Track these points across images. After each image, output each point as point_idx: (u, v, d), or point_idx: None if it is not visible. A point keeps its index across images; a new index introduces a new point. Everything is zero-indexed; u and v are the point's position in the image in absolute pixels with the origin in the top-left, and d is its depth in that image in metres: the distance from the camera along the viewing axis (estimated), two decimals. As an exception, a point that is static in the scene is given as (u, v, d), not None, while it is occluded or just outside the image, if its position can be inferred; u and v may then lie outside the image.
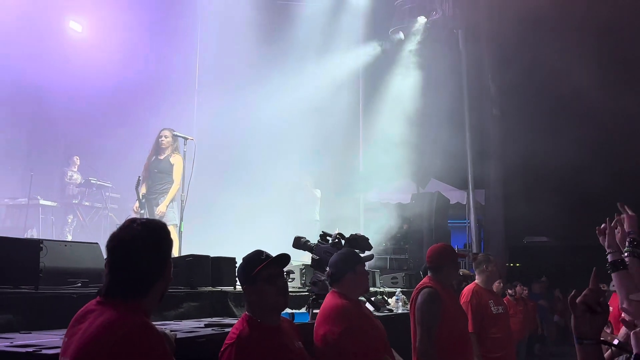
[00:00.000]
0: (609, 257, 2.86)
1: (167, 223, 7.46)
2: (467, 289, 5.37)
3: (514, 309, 9.61)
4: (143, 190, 7.89)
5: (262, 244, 3.21)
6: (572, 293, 2.01)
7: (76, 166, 10.43)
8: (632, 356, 2.03)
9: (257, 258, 2.91)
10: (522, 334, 10.23)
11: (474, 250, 12.47)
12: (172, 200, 7.78)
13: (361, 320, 3.39)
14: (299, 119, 10.19)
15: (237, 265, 3.16)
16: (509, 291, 9.86)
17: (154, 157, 8.00)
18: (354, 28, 11.35)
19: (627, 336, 2.11)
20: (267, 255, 2.93)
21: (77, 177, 10.29)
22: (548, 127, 16.29)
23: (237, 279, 2.98)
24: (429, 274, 4.44)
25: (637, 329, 2.07)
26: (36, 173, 9.67)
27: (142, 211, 7.68)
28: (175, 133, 7.87)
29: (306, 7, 10.95)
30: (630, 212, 3.10)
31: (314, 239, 4.77)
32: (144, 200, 7.77)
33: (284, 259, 2.97)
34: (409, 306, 4.60)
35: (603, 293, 2.92)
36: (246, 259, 2.97)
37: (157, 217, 7.62)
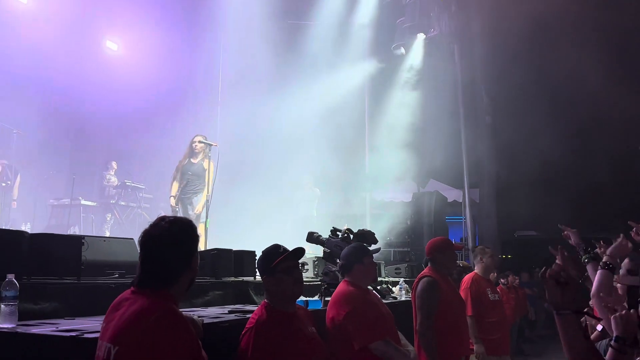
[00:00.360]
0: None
1: (199, 221, 7.54)
2: (467, 278, 5.38)
3: (507, 297, 9.57)
4: (175, 189, 7.97)
5: (278, 238, 3.21)
6: (542, 269, 2.01)
7: (113, 170, 10.50)
8: (613, 337, 2.01)
9: (275, 251, 2.92)
10: (513, 319, 10.19)
11: (470, 244, 12.42)
12: None
13: (366, 305, 3.38)
14: (311, 125, 10.21)
15: (257, 257, 3.17)
16: (502, 280, 9.82)
17: (187, 160, 8.04)
18: (360, 44, 11.34)
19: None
20: (285, 249, 2.94)
21: (114, 180, 10.36)
22: (535, 134, 16.25)
23: (257, 270, 2.97)
24: (429, 265, 4.47)
25: (617, 314, 2.06)
26: (78, 176, 9.73)
27: (178, 207, 7.82)
28: (203, 140, 7.92)
29: (317, 25, 10.95)
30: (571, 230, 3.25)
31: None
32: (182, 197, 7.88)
33: (299, 252, 2.98)
34: (410, 294, 4.60)
35: (569, 266, 2.94)
36: (265, 252, 2.97)
37: (193, 216, 7.76)
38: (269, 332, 2.74)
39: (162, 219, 2.19)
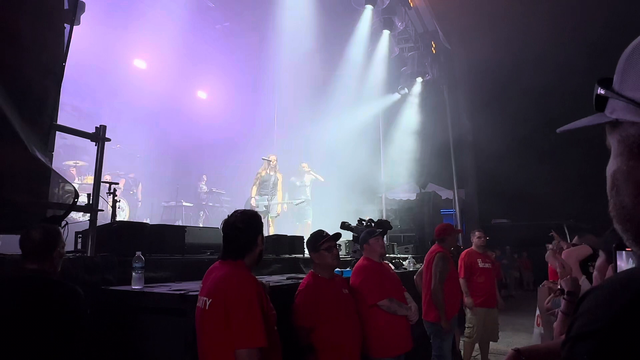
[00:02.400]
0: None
1: (271, 215, 7.54)
2: (465, 251, 5.28)
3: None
4: (254, 192, 7.89)
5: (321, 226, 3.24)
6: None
7: (204, 181, 10.62)
8: (565, 293, 1.98)
9: (320, 235, 2.96)
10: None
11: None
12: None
13: (375, 273, 3.32)
14: (342, 144, 10.17)
15: (305, 240, 3.19)
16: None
17: (266, 172, 7.92)
18: (375, 86, 11.31)
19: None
20: (327, 234, 2.97)
21: (205, 188, 10.48)
22: (505, 147, 15.99)
23: (306, 248, 3.00)
24: (436, 243, 4.41)
25: (566, 277, 2.05)
26: (181, 186, 9.97)
27: (256, 206, 7.67)
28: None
29: (345, 73, 10.96)
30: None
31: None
32: (257, 197, 7.79)
33: (337, 236, 3.02)
34: (423, 264, 4.48)
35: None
36: (313, 235, 3.01)
37: (275, 215, 7.78)
38: (315, 292, 2.77)
39: (236, 211, 2.22)
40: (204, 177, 10.65)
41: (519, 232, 16.11)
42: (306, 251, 5.15)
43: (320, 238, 2.93)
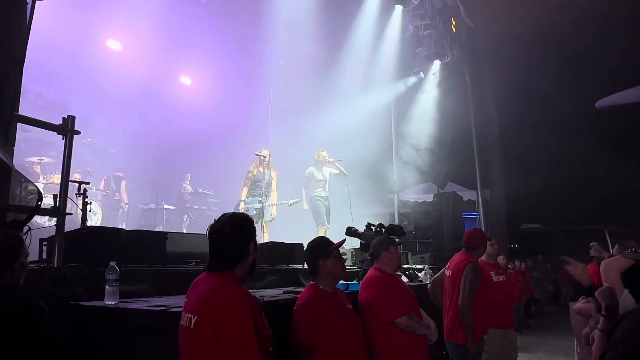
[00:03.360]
0: None
1: (265, 220, 7.42)
2: None
3: (514, 279, 9.34)
4: (244, 195, 7.77)
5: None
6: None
7: (188, 180, 10.65)
8: (603, 309, 1.97)
9: (327, 240, 3.00)
10: (520, 298, 9.96)
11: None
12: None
13: (391, 287, 3.32)
14: (348, 137, 10.11)
15: (305, 248, 3.19)
16: (510, 265, 9.57)
17: (257, 170, 7.78)
18: (386, 70, 11.26)
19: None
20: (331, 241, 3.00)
21: (189, 188, 10.51)
22: (537, 141, 15.91)
23: (311, 255, 3.00)
24: (463, 250, 4.32)
25: (601, 289, 2.06)
26: (161, 186, 9.98)
27: (247, 210, 7.45)
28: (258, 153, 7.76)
29: (351, 56, 10.92)
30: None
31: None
32: (249, 199, 7.63)
33: (343, 242, 3.09)
34: (449, 274, 4.30)
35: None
36: (319, 241, 3.05)
37: (270, 219, 7.62)
38: (317, 306, 2.77)
39: (223, 215, 2.21)
40: (188, 175, 10.68)
41: (554, 238, 16.07)
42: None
43: (329, 242, 2.95)
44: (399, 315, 3.17)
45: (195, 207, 10.35)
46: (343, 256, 3.12)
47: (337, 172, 8.13)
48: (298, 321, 2.73)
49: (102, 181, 9.11)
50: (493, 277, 5.07)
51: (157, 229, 8.99)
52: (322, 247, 2.97)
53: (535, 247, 15.31)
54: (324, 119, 10.51)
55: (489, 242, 5.14)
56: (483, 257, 5.21)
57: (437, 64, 11.90)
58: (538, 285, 13.26)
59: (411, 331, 3.18)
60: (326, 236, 3.07)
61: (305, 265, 5.00)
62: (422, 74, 11.92)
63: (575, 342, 4.75)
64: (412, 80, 11.98)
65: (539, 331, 10.41)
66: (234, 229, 2.14)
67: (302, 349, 2.68)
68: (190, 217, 10.14)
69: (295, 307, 2.82)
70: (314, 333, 2.67)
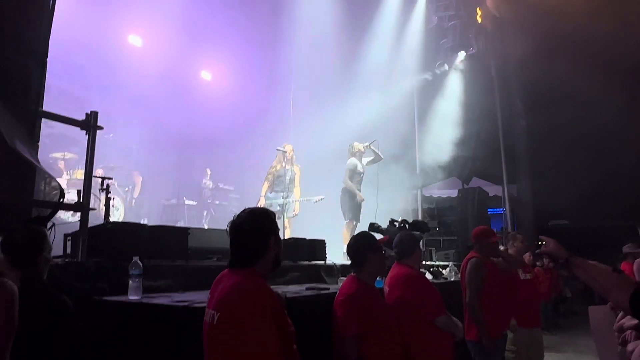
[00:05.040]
0: None
1: (288, 215, 7.39)
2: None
3: (542, 277, 9.20)
4: (264, 190, 7.77)
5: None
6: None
7: (209, 175, 10.70)
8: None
9: (372, 235, 3.04)
10: (549, 297, 9.79)
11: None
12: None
13: (428, 285, 3.38)
14: (369, 131, 10.01)
15: (351, 240, 3.19)
16: (538, 263, 9.39)
17: (280, 166, 7.76)
18: (409, 62, 11.14)
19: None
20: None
21: (210, 184, 10.56)
22: (565, 135, 15.57)
23: (360, 247, 3.00)
24: (473, 249, 4.38)
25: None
26: (182, 182, 10.05)
27: (270, 205, 7.39)
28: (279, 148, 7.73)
29: (374, 47, 10.81)
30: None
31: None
32: (271, 194, 7.61)
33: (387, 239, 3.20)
34: (459, 274, 4.50)
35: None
36: (367, 235, 3.13)
37: (292, 215, 7.57)
38: (365, 297, 2.82)
39: (243, 210, 2.21)
40: (208, 171, 10.72)
41: (584, 235, 15.74)
42: (331, 257, 5.15)
43: (375, 238, 2.99)
44: (439, 314, 3.20)
45: (217, 202, 10.39)
46: None
47: (372, 157, 7.74)
48: (348, 312, 2.76)
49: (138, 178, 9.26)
50: (520, 275, 5.02)
51: (178, 225, 9.08)
52: (372, 240, 3.02)
53: (565, 244, 15.03)
54: (346, 113, 10.42)
55: (520, 238, 5.11)
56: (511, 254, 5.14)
57: (461, 55, 11.73)
58: (567, 283, 13.03)
59: (448, 330, 3.21)
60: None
61: (328, 262, 5.03)
62: (446, 66, 11.76)
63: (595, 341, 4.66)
64: (436, 72, 11.82)
65: (568, 331, 10.20)
66: (253, 225, 2.13)
67: (349, 340, 2.70)
68: (211, 213, 10.18)
69: (340, 299, 2.85)
70: (363, 324, 2.72)
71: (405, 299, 3.22)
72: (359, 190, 7.50)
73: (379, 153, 7.73)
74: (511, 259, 4.44)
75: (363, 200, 7.27)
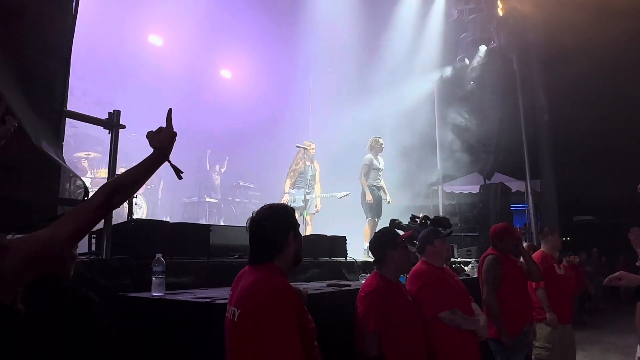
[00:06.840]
0: None
1: (309, 212, 7.41)
2: (537, 255, 5.08)
3: (568, 273, 9.02)
4: (287, 187, 7.77)
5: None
6: None
7: (217, 171, 10.70)
8: None
9: (394, 231, 3.02)
10: (574, 294, 9.60)
11: (533, 228, 11.85)
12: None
13: (436, 280, 3.30)
14: (388, 126, 9.95)
15: (372, 238, 3.19)
16: (564, 259, 9.22)
17: (302, 162, 7.75)
18: (429, 57, 11.03)
19: None
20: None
21: (218, 180, 10.59)
22: (590, 128, 15.22)
23: (379, 245, 2.99)
24: (491, 246, 4.34)
25: None
26: (203, 180, 10.13)
27: (294, 201, 7.42)
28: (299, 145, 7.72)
29: (393, 42, 10.72)
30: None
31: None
32: (294, 191, 7.62)
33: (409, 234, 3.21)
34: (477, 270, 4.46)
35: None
36: (387, 231, 3.12)
37: (314, 212, 7.60)
38: (386, 293, 2.82)
39: (262, 207, 2.20)
40: (217, 167, 10.75)
41: (607, 231, 15.39)
42: (352, 253, 5.14)
43: (396, 234, 2.98)
44: (441, 310, 3.16)
45: (237, 200, 10.45)
46: None
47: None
48: (368, 307, 2.76)
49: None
50: (557, 270, 4.98)
51: (200, 222, 9.11)
52: (391, 237, 3.01)
53: (590, 240, 14.76)
54: (366, 109, 10.37)
55: (554, 233, 5.06)
56: (546, 250, 5.11)
57: (482, 49, 11.55)
58: (592, 279, 12.76)
59: (456, 326, 3.16)
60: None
61: (348, 258, 5.02)
62: (466, 61, 11.60)
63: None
64: (456, 66, 11.67)
65: (594, 328, 10.00)
66: (270, 220, 2.12)
67: (369, 335, 2.70)
68: (232, 210, 10.25)
69: (362, 294, 2.86)
70: (384, 320, 2.71)
71: (412, 295, 3.21)
72: (382, 187, 7.43)
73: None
74: (532, 268, 4.33)
75: (371, 200, 7.13)
